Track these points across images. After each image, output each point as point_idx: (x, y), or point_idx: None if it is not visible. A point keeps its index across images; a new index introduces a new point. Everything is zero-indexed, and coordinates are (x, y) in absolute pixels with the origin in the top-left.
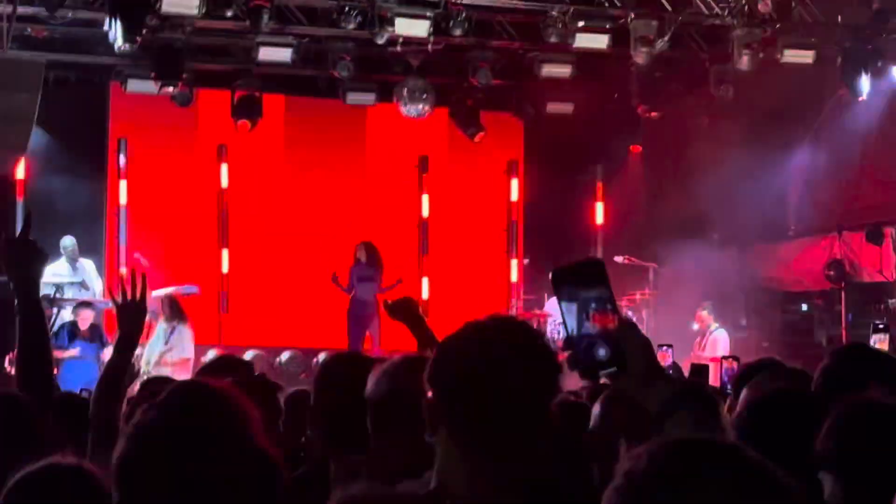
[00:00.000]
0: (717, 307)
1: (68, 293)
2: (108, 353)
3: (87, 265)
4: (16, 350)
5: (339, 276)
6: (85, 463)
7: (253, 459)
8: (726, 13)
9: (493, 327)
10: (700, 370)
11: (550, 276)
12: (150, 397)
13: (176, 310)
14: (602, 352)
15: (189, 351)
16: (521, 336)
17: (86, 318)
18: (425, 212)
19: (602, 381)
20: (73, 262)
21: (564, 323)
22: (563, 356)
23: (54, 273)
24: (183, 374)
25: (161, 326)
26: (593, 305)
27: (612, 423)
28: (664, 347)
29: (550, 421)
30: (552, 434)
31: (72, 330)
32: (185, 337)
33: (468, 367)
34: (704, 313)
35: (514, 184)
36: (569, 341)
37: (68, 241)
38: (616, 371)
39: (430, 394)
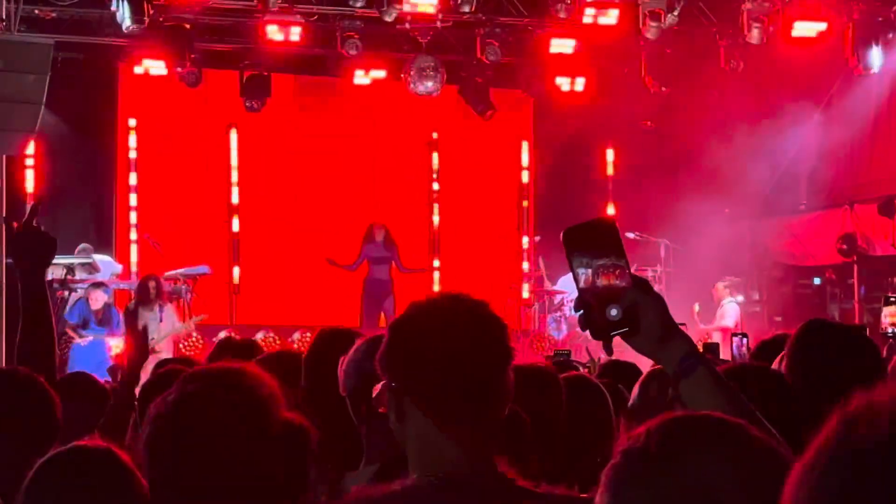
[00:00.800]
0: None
1: (79, 275)
2: (117, 337)
3: (100, 258)
4: (19, 335)
5: (335, 258)
6: (114, 446)
7: (276, 430)
8: None
9: (441, 306)
10: (711, 348)
11: (562, 236)
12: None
13: (161, 290)
14: (614, 311)
15: (178, 325)
16: (470, 310)
17: (97, 299)
18: (436, 188)
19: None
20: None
21: (577, 284)
22: (576, 316)
23: (66, 256)
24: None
25: (148, 310)
26: (605, 265)
27: (651, 401)
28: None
29: (511, 387)
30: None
31: (85, 311)
32: (174, 314)
33: (428, 352)
34: (720, 286)
35: (525, 160)
36: (580, 302)
37: (82, 247)
38: (628, 331)
39: (388, 381)
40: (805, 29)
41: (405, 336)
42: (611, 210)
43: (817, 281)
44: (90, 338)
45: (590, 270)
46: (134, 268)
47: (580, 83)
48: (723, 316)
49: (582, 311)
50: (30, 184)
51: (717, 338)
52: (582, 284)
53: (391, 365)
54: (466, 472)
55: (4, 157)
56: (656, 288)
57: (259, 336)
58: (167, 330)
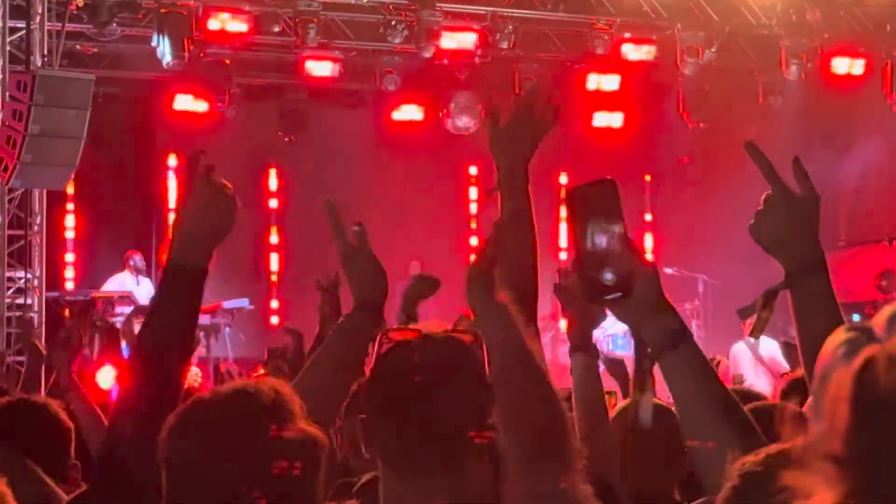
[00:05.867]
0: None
1: (118, 308)
2: None
3: (146, 285)
4: None
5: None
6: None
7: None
8: (774, 22)
9: (422, 347)
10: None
11: (564, 194)
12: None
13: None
14: (609, 276)
15: None
16: (448, 357)
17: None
18: (473, 227)
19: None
20: (136, 276)
21: (575, 243)
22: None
23: (120, 283)
24: None
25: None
26: (604, 229)
27: None
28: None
29: (485, 443)
30: (488, 455)
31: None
32: None
33: (393, 391)
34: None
35: (562, 194)
36: (577, 263)
37: (136, 257)
38: (620, 296)
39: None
40: (843, 65)
41: (377, 379)
42: (648, 243)
43: (856, 318)
44: None
45: (588, 229)
46: None
47: (618, 118)
48: (771, 353)
49: (577, 273)
50: (69, 219)
51: (764, 383)
52: (580, 245)
53: (364, 401)
54: None
55: (45, 191)
56: (694, 323)
57: None
58: None
